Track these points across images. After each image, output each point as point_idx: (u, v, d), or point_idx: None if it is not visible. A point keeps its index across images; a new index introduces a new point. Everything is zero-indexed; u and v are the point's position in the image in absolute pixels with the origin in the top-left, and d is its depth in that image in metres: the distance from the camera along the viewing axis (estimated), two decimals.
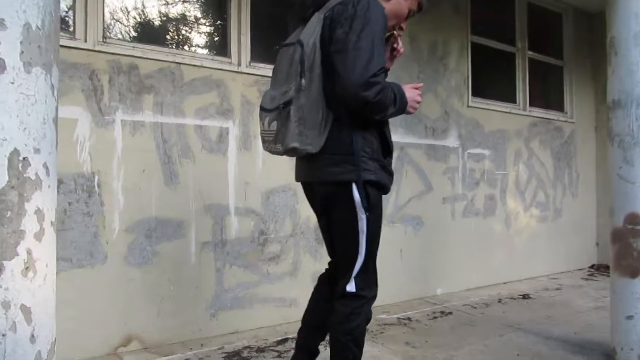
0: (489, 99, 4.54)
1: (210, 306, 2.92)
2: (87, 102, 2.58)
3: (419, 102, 1.85)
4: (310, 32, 1.69)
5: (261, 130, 1.77)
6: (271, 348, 2.73)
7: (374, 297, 1.82)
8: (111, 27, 2.84)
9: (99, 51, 2.62)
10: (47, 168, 0.96)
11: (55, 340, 1.02)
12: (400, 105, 1.73)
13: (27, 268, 0.91)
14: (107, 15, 2.77)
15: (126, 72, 2.70)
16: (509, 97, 4.81)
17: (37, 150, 0.93)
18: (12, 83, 0.89)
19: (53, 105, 0.99)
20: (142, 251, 2.71)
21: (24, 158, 0.91)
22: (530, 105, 4.91)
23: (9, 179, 0.88)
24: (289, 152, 1.68)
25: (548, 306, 3.69)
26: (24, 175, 0.91)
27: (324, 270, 2.05)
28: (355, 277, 1.75)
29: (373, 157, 1.72)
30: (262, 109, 1.77)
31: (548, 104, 5.21)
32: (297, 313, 3.19)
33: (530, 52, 4.95)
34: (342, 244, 1.81)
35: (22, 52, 0.91)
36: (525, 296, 4.00)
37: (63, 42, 2.52)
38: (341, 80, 1.60)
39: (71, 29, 2.61)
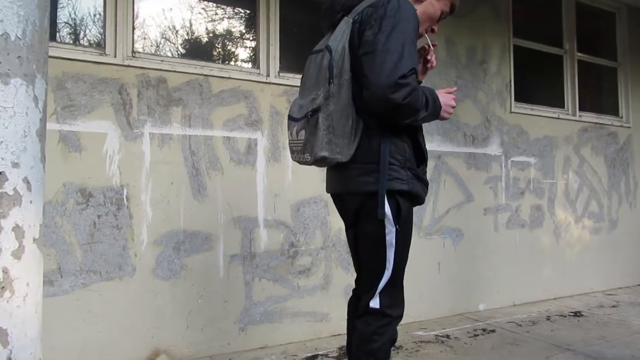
0: (534, 104, 4.30)
1: (239, 320, 2.87)
2: (116, 116, 2.62)
3: (453, 107, 1.72)
4: (339, 37, 1.62)
5: (289, 140, 1.72)
6: None
7: (400, 316, 1.70)
8: (140, 42, 2.88)
9: (128, 66, 2.66)
10: (28, 183, 0.92)
11: None
12: (433, 110, 1.63)
13: (2, 288, 0.87)
14: (136, 31, 2.82)
15: (154, 85, 2.72)
16: (557, 101, 4.54)
17: (15, 165, 0.90)
18: None
19: (37, 117, 0.96)
20: (171, 264, 2.70)
21: (0, 172, 0.87)
22: (581, 109, 4.61)
23: None
24: (318, 161, 1.61)
25: (602, 325, 3.40)
26: (0, 190, 0.87)
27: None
28: (380, 293, 1.64)
29: (405, 166, 1.62)
30: (290, 118, 1.71)
31: (600, 108, 4.88)
32: (328, 328, 3.11)
33: (579, 54, 4.66)
34: (369, 257, 1.70)
35: None
36: (576, 314, 3.71)
37: (94, 57, 2.59)
38: (369, 83, 1.52)
39: (102, 45, 2.66)
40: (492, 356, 2.79)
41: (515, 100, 4.13)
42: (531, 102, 4.28)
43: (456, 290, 3.69)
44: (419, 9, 1.72)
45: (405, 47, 1.52)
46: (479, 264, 3.82)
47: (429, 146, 3.59)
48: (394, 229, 1.61)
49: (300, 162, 1.68)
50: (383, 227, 1.61)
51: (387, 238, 1.61)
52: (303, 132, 1.62)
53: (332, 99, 1.57)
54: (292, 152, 1.71)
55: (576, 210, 4.46)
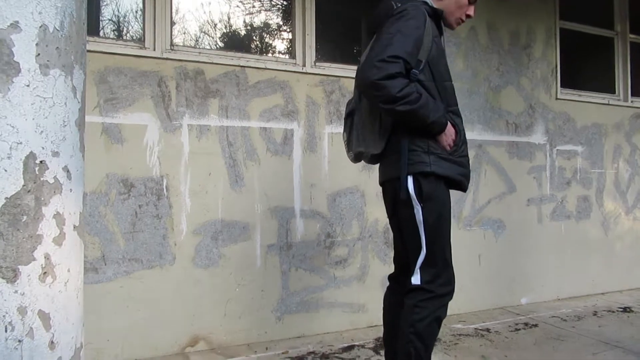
0: (582, 90, 4.11)
1: (276, 309, 2.89)
2: (156, 109, 2.67)
3: (449, 145, 1.75)
4: (366, 49, 1.84)
5: (344, 142, 1.98)
6: (336, 355, 2.64)
7: (446, 294, 1.77)
8: (178, 35, 2.92)
9: (167, 58, 2.70)
10: (68, 171, 0.95)
11: (81, 346, 1.01)
12: (425, 113, 1.65)
13: (45, 273, 0.90)
14: (175, 24, 2.86)
15: (192, 77, 2.75)
16: (607, 87, 4.32)
17: (55, 154, 0.92)
18: (28, 86, 0.88)
19: (75, 108, 0.98)
20: (209, 253, 2.75)
21: (40, 161, 0.90)
22: (633, 95, 4.37)
23: (24, 182, 0.87)
24: (357, 156, 1.88)
25: None
26: (41, 179, 0.90)
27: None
28: (419, 270, 1.74)
29: (429, 151, 1.72)
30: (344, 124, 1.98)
31: None
32: (365, 319, 3.09)
33: (632, 36, 4.41)
34: (408, 238, 1.80)
35: (38, 54, 0.89)
36: (626, 309, 3.54)
37: (134, 51, 2.64)
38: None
39: (141, 39, 2.72)
40: (535, 351, 2.71)
41: (562, 86, 3.96)
42: (579, 88, 4.09)
43: (497, 283, 3.60)
44: (445, 2, 1.85)
45: (395, 38, 1.62)
46: (522, 256, 3.71)
47: (469, 135, 3.51)
48: (419, 207, 1.72)
49: (351, 160, 1.96)
50: (411, 207, 1.73)
51: (417, 217, 1.73)
52: (345, 133, 1.92)
53: (363, 101, 1.80)
54: (346, 152, 1.97)
55: (627, 201, 4.24)
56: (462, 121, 1.86)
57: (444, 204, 1.77)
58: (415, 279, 1.74)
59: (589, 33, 4.24)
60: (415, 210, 1.72)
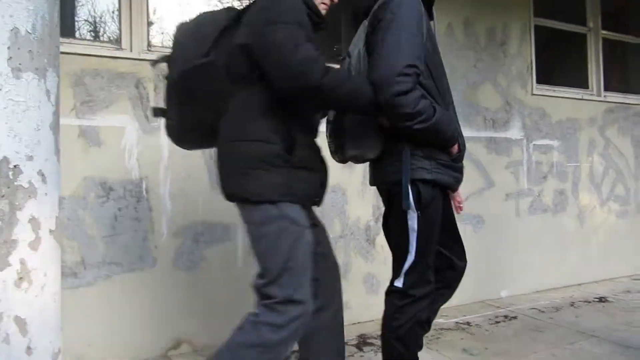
0: (557, 86, 4.20)
1: None
2: (134, 110, 2.64)
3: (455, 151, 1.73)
4: (356, 41, 1.72)
5: (328, 142, 1.83)
6: None
7: (425, 296, 1.75)
8: (156, 36, 2.90)
9: (144, 59, 2.68)
10: (43, 175, 0.94)
11: (59, 351, 1.00)
12: (442, 128, 1.62)
13: (20, 278, 0.89)
14: (152, 25, 2.83)
15: None
16: (580, 82, 4.42)
17: (29, 158, 0.91)
18: (0, 89, 0.87)
19: (49, 111, 0.97)
20: (190, 255, 2.74)
21: (14, 166, 0.89)
22: (606, 89, 4.47)
23: None
24: (350, 159, 1.78)
25: (629, 311, 3.33)
26: (15, 183, 0.89)
27: (376, 272, 2.00)
28: (405, 274, 1.71)
29: (429, 156, 1.66)
30: (327, 121, 1.84)
31: (627, 88, 4.74)
32: (347, 316, 3.03)
33: (604, 32, 4.51)
34: (395, 241, 1.79)
35: (10, 57, 0.89)
36: (601, 299, 3.64)
37: (110, 52, 2.61)
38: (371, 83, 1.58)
39: (118, 40, 2.69)
40: (514, 343, 2.76)
41: (537, 82, 4.04)
42: (553, 84, 4.18)
43: (477, 277, 3.63)
44: None
45: (402, 39, 1.53)
46: (501, 250, 3.77)
47: None
48: (415, 215, 1.66)
49: (337, 161, 1.83)
50: (405, 213, 1.67)
51: (410, 223, 1.67)
52: (333, 134, 1.79)
53: None
54: (330, 152, 1.82)
55: (601, 194, 4.35)
56: (456, 117, 1.80)
57: (437, 209, 1.71)
58: (399, 282, 1.71)
59: (562, 29, 4.33)
60: (409, 217, 1.66)
